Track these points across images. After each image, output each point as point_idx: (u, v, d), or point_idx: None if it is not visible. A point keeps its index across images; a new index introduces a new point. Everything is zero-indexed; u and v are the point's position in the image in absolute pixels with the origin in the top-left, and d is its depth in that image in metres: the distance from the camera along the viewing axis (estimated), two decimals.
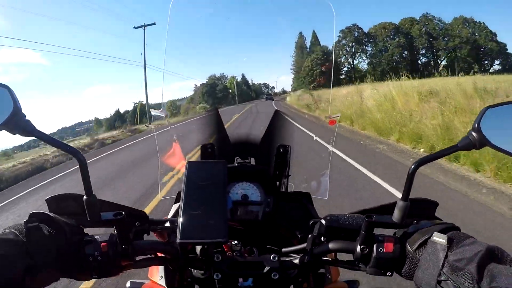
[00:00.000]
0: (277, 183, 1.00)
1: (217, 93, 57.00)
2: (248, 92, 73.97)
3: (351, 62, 53.28)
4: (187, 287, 0.80)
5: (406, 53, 54.88)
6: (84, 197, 0.56)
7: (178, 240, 0.54)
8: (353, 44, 57.86)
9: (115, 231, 0.59)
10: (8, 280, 0.45)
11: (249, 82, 77.89)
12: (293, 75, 69.41)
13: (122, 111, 59.11)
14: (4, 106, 0.50)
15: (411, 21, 54.89)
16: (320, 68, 53.60)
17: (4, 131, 0.51)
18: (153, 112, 0.97)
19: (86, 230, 0.62)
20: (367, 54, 58.35)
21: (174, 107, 41.12)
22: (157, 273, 0.85)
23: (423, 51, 55.57)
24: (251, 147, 1.05)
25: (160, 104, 1.08)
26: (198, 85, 59.67)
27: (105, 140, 15.84)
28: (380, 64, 55.00)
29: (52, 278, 0.54)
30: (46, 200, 0.65)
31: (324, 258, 0.67)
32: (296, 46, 68.46)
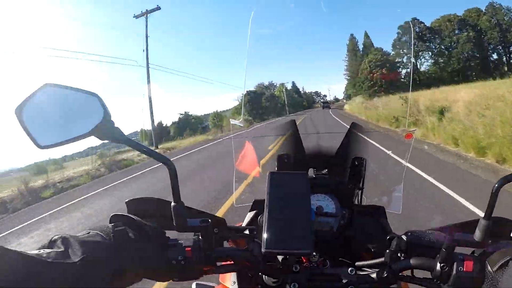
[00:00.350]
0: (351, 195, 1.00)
1: (262, 103, 50.29)
2: (300, 101, 67.61)
3: (414, 62, 44.10)
4: None
5: (474, 49, 44.43)
6: (172, 203, 0.58)
7: (263, 249, 0.55)
8: (415, 41, 46.42)
9: (199, 237, 0.61)
10: (95, 280, 0.47)
11: (300, 90, 71.63)
12: (346, 81, 62.92)
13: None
14: (95, 113, 0.51)
15: (477, 12, 45.00)
16: (380, 70, 46.55)
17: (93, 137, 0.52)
18: (232, 122, 1.03)
19: (167, 233, 0.64)
20: (432, 53, 48.73)
21: (218, 119, 39.31)
22: (229, 278, 0.86)
23: (492, 46, 44.61)
24: (325, 159, 1.05)
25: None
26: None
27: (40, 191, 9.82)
28: (449, 63, 46.05)
29: (135, 279, 0.56)
30: (126, 202, 0.67)
31: (401, 274, 0.66)
32: (348, 49, 60.26)
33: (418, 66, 49.22)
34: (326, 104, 52.44)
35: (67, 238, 0.48)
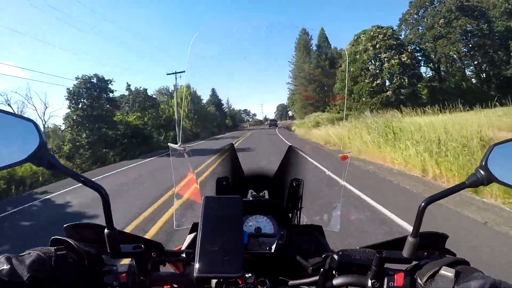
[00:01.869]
0: (290, 215, 1.02)
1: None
2: (219, 117, 49.85)
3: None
4: None
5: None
6: (106, 230, 0.58)
7: (195, 274, 0.56)
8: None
9: (133, 262, 0.61)
10: None
11: (223, 104, 58.54)
12: (288, 91, 52.40)
13: None
14: (30, 140, 0.51)
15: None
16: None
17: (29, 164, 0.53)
18: (171, 146, 1.01)
19: (105, 258, 0.64)
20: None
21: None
22: None
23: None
24: (265, 180, 1.07)
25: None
26: None
27: None
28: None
29: None
30: (65, 227, 0.66)
31: None
32: (298, 47, 45.49)
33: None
34: (274, 122, 52.54)
35: (11, 258, 0.50)
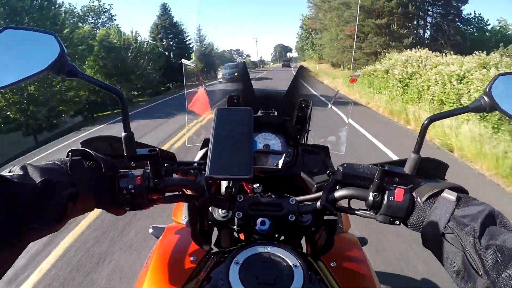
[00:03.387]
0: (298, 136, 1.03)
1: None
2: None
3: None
4: (208, 229, 0.86)
5: None
6: (123, 133, 0.59)
7: (206, 175, 0.58)
8: None
9: (148, 168, 0.63)
10: (55, 203, 0.51)
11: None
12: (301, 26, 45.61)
13: None
14: (51, 50, 0.54)
15: None
16: None
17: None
18: (184, 62, 1.00)
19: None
20: None
21: None
22: (180, 215, 0.90)
23: None
24: (274, 100, 1.08)
25: None
26: None
27: None
28: None
29: (89, 208, 0.59)
30: (81, 142, 0.70)
31: (338, 205, 0.71)
32: None
33: None
34: (287, 63, 49.18)
35: (26, 166, 0.51)
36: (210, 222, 0.79)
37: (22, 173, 0.50)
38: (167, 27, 31.69)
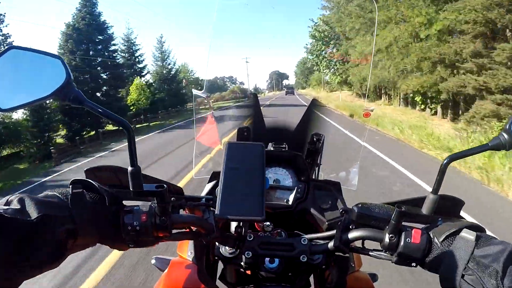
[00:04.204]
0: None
1: None
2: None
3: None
4: (214, 264, 0.83)
5: None
6: (129, 168, 0.57)
7: (216, 214, 0.56)
8: None
9: (154, 203, 0.61)
10: (51, 239, 0.48)
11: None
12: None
13: None
14: (57, 75, 0.52)
15: None
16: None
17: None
18: (195, 92, 1.01)
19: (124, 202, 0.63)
20: None
21: None
22: (186, 250, 0.87)
23: None
24: (285, 134, 1.07)
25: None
26: None
27: None
28: None
29: (90, 243, 0.56)
30: (85, 170, 0.67)
31: (352, 245, 0.68)
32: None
33: None
34: (291, 90, 45.70)
35: (24, 198, 0.49)
36: (216, 257, 0.76)
37: (19, 206, 0.47)
38: (86, 31, 20.57)
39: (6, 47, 0.53)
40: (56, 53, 0.54)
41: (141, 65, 27.18)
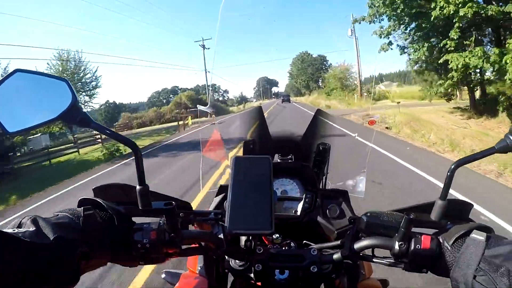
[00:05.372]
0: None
1: None
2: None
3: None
4: (224, 277, 0.84)
5: None
6: (137, 187, 0.58)
7: (227, 230, 0.56)
8: None
9: (163, 220, 0.61)
10: (67, 260, 0.48)
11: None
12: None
13: None
14: (63, 98, 0.53)
15: None
16: None
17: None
18: (200, 108, 1.02)
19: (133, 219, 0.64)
20: None
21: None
22: (195, 264, 0.88)
23: None
24: (291, 144, 1.07)
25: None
26: None
27: None
28: None
29: (102, 263, 0.57)
30: (93, 189, 0.67)
31: (362, 254, 0.68)
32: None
33: None
34: (287, 98, 41.54)
35: (37, 220, 0.49)
36: (226, 270, 0.76)
37: (34, 228, 0.48)
38: None
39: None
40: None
41: None
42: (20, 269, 0.42)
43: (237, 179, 0.62)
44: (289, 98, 41.35)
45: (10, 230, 0.46)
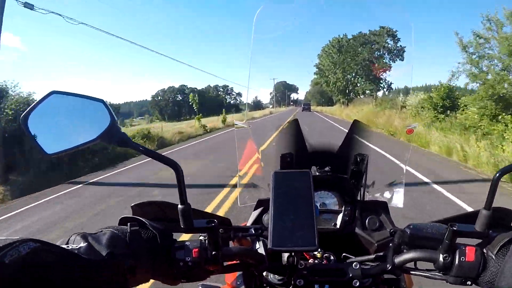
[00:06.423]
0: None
1: None
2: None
3: None
4: None
5: None
6: (179, 206, 0.58)
7: (270, 247, 0.55)
8: None
9: (205, 238, 0.62)
10: (117, 274, 0.50)
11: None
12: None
13: None
14: (101, 119, 0.52)
15: None
16: None
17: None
18: (236, 123, 1.05)
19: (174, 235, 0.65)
20: None
21: None
22: (233, 277, 0.88)
23: None
24: (328, 156, 1.07)
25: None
26: None
27: None
28: None
29: (144, 279, 0.58)
30: (131, 206, 0.68)
31: (405, 266, 0.66)
32: None
33: None
34: (307, 106, 38.42)
35: (87, 236, 0.51)
36: (264, 285, 0.76)
37: (86, 244, 0.49)
38: None
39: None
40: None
41: None
42: (78, 285, 0.44)
43: (278, 194, 0.62)
44: (309, 107, 39.28)
45: (64, 246, 0.47)
